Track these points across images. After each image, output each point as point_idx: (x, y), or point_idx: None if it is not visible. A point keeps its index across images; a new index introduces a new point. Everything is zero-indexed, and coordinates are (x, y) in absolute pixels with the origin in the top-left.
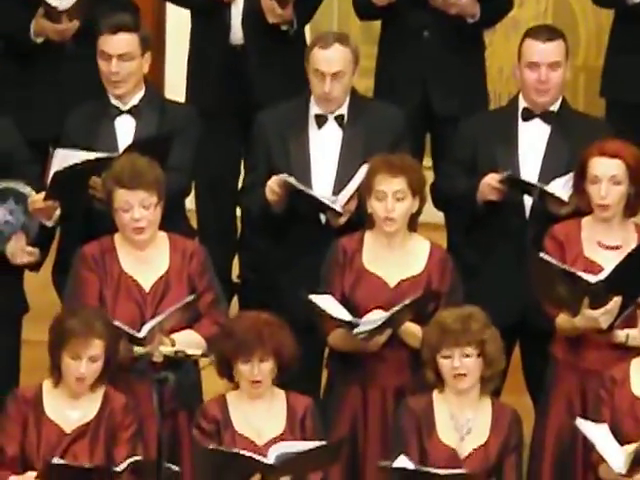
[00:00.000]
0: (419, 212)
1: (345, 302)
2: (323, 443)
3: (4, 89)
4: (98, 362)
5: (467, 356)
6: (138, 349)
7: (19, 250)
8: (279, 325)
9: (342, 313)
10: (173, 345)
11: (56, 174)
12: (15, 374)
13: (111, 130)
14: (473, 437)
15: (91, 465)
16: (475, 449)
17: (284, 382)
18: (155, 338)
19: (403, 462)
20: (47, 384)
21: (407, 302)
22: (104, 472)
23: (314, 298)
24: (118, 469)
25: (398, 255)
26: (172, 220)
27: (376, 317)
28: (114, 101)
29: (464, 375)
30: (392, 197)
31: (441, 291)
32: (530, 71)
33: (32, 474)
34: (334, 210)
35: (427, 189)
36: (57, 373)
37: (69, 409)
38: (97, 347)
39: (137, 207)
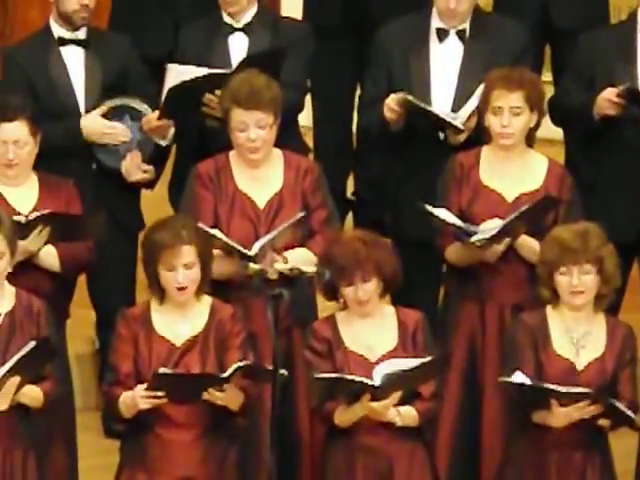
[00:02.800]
0: (537, 127)
1: (462, 217)
2: (427, 359)
3: (120, 7)
4: (194, 269)
5: (586, 273)
6: (252, 266)
7: (135, 167)
8: (376, 242)
9: (460, 223)
10: (285, 262)
11: (170, 90)
12: (132, 290)
13: (224, 47)
14: (588, 351)
15: (199, 372)
16: (591, 362)
17: (399, 299)
18: (267, 255)
19: (521, 377)
20: (154, 301)
21: (525, 209)
22: (212, 378)
23: (431, 209)
24: (225, 375)
25: (516, 170)
26: (285, 136)
27: (493, 225)
28: (227, 18)
29: (582, 292)
30: (508, 112)
31: (559, 197)
32: None
33: (142, 386)
34: (455, 127)
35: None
36: (157, 288)
37: (177, 323)
38: (189, 254)
39: (253, 127)
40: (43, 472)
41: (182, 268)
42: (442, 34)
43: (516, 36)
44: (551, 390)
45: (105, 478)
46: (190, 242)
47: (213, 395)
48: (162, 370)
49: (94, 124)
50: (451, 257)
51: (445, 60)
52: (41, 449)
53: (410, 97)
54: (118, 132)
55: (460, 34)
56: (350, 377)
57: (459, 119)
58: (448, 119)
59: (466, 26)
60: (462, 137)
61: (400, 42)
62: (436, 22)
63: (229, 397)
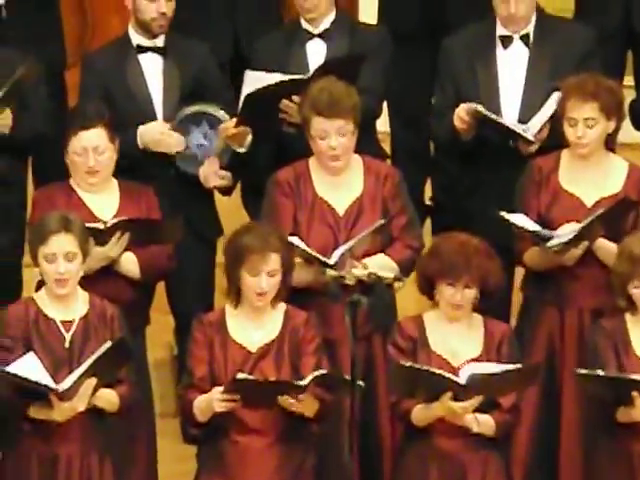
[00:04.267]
0: (617, 130)
1: (541, 222)
2: (518, 366)
3: (184, 13)
4: (276, 276)
5: None
6: (330, 273)
7: (212, 174)
8: (488, 253)
9: (536, 228)
10: (365, 269)
11: (247, 97)
12: (210, 296)
13: (302, 54)
14: None
15: (276, 379)
16: None
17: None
18: (346, 262)
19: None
20: (229, 307)
21: (602, 212)
22: (289, 386)
23: (507, 216)
24: (302, 383)
25: (595, 174)
26: (363, 142)
27: (570, 229)
28: (305, 25)
29: None
30: (582, 124)
31: (638, 201)
32: None
33: (218, 389)
34: (525, 138)
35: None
36: (235, 293)
37: (252, 329)
38: (274, 261)
39: (334, 135)
40: (121, 477)
41: (266, 275)
42: (506, 40)
43: (581, 39)
44: (633, 381)
45: None
46: (277, 250)
47: (288, 402)
48: (241, 375)
49: (150, 132)
50: (530, 262)
51: (511, 66)
52: (120, 454)
53: (480, 108)
54: (172, 140)
55: (524, 39)
56: (438, 371)
57: (530, 130)
58: (519, 131)
59: (530, 31)
60: (533, 148)
61: (466, 50)
62: (500, 29)
63: (305, 405)
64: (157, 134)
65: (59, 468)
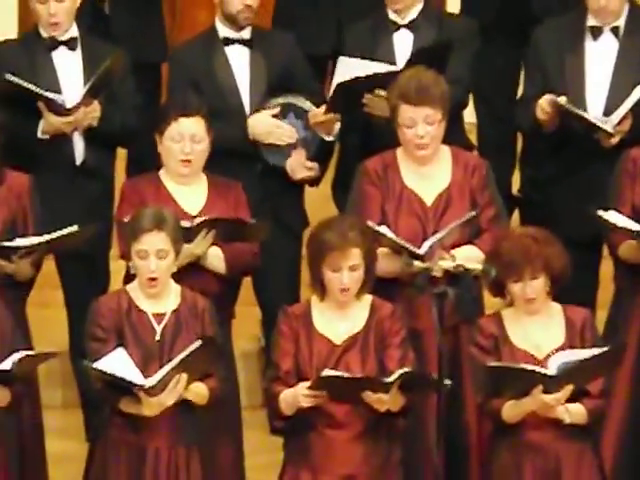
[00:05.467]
0: None
1: (635, 214)
2: (604, 349)
3: (285, 5)
4: (359, 271)
5: None
6: (418, 264)
7: (299, 165)
8: (547, 239)
9: (630, 224)
10: (453, 260)
11: (339, 85)
12: (296, 288)
13: (389, 44)
14: None
15: (362, 375)
16: None
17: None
18: (435, 254)
19: None
20: (315, 299)
21: None
22: (374, 383)
23: (601, 213)
24: (388, 380)
25: None
26: (450, 133)
27: None
28: (392, 15)
29: None
30: None
31: None
32: None
33: (304, 384)
34: (606, 131)
35: None
36: (320, 287)
37: (338, 322)
38: (355, 256)
39: (421, 123)
40: (208, 469)
41: (347, 270)
42: (596, 32)
43: None
44: None
45: (270, 476)
46: (357, 244)
47: (374, 398)
48: (326, 372)
49: (261, 124)
50: (625, 254)
51: (600, 58)
52: (206, 446)
53: (561, 99)
54: (284, 132)
55: (614, 31)
56: (526, 366)
57: (610, 123)
58: (599, 123)
59: (621, 23)
60: (614, 141)
61: (556, 41)
62: (590, 20)
63: (391, 401)
64: (269, 126)
65: (147, 460)
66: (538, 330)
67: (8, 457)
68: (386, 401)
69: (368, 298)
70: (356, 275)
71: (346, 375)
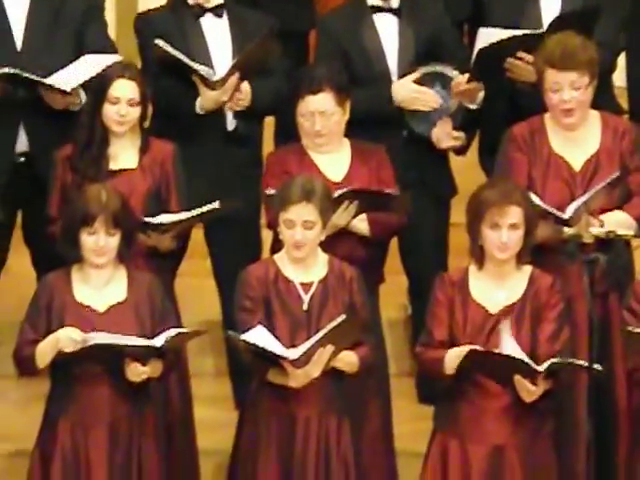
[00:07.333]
0: None
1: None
2: None
3: None
4: (518, 231)
5: None
6: (567, 231)
7: (445, 135)
8: None
9: None
10: (602, 226)
11: (480, 52)
12: (444, 256)
13: (536, 8)
14: None
15: (511, 355)
16: None
17: None
18: (582, 219)
19: None
20: (472, 267)
21: None
22: (524, 366)
23: None
24: (539, 368)
25: None
26: (599, 97)
27: None
28: None
29: None
30: None
31: None
32: None
33: (455, 350)
34: None
35: None
36: (478, 253)
37: (495, 290)
38: (516, 214)
39: (567, 88)
40: (357, 438)
41: (507, 228)
42: None
43: None
44: None
45: (419, 444)
46: (518, 203)
47: (523, 386)
48: (474, 347)
49: (405, 89)
50: None
51: None
52: (356, 415)
53: None
54: (428, 98)
55: None
56: None
57: None
58: None
59: None
60: None
61: None
62: None
63: (539, 392)
64: (412, 92)
65: (297, 429)
66: None
67: (158, 425)
68: (535, 392)
69: (528, 269)
70: (515, 235)
71: (495, 352)
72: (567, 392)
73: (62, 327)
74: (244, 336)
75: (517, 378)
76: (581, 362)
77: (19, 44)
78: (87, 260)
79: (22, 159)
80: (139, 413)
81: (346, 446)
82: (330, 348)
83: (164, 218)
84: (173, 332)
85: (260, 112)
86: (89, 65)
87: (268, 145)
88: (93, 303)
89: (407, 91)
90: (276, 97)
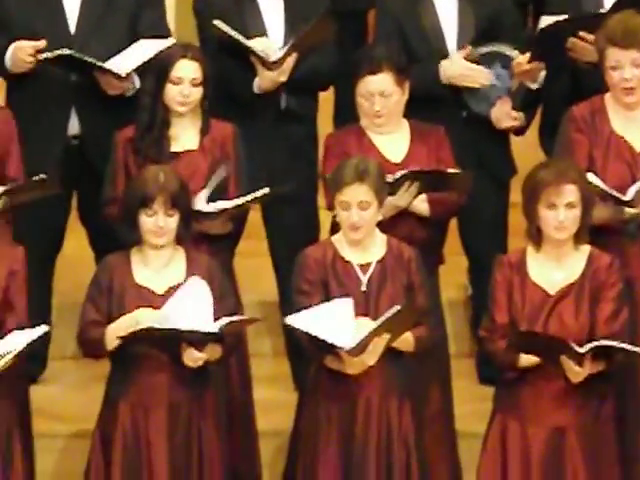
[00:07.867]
0: None
1: None
2: None
3: None
4: (575, 210)
5: None
6: (628, 211)
7: (504, 115)
8: None
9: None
10: None
11: (541, 31)
12: (503, 236)
13: None
14: None
15: (556, 336)
16: None
17: None
18: None
19: None
20: (531, 248)
21: None
22: (567, 348)
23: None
24: (581, 350)
25: None
26: None
27: None
28: None
29: None
30: None
31: None
32: None
33: None
34: None
35: None
36: (536, 234)
37: (553, 271)
38: (572, 193)
39: (628, 66)
40: (418, 419)
41: (563, 207)
42: None
43: None
44: None
45: (479, 425)
46: (574, 181)
47: (569, 367)
48: (523, 329)
49: (455, 66)
50: None
51: None
52: (417, 396)
53: None
54: (478, 75)
55: None
56: None
57: None
58: None
59: None
60: None
61: None
62: None
63: (585, 373)
64: (462, 68)
65: (358, 411)
66: None
67: (217, 407)
68: (580, 373)
69: (586, 248)
70: (572, 214)
71: (540, 333)
72: (630, 375)
73: (123, 309)
74: (300, 325)
75: (562, 358)
76: (624, 345)
77: (73, 28)
78: (146, 241)
79: (75, 142)
80: (199, 396)
81: (407, 427)
82: (385, 337)
83: (212, 207)
84: (227, 320)
85: (303, 84)
86: (144, 50)
87: (327, 124)
88: (152, 285)
89: (457, 67)
90: (314, 73)
